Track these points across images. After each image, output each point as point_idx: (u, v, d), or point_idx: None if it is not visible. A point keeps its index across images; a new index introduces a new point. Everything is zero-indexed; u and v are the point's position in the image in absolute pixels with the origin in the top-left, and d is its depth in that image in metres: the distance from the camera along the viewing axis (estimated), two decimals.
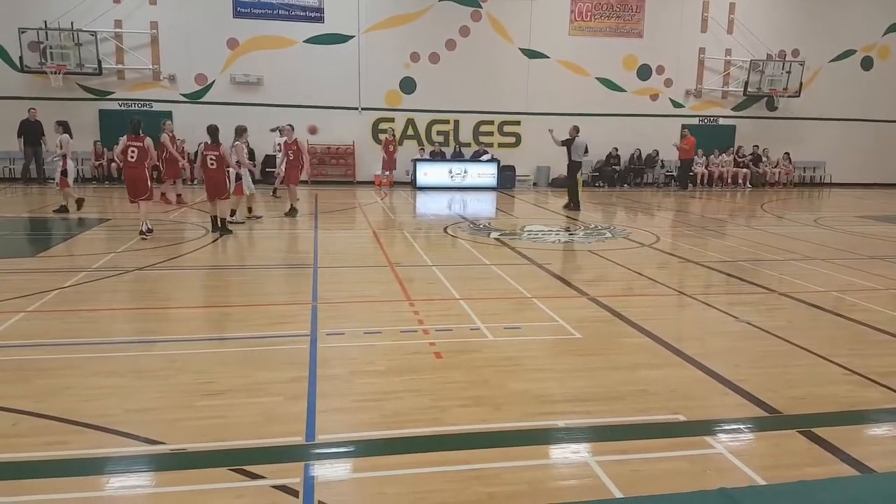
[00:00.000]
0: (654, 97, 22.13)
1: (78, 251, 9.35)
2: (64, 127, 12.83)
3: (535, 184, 21.65)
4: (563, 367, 5.14)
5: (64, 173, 12.54)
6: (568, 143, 15.19)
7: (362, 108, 20.38)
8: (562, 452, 3.84)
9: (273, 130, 16.55)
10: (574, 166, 15.36)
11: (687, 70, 22.20)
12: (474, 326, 6.10)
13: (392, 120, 20.60)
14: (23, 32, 17.53)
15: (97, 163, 18.68)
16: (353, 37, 19.85)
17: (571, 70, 21.33)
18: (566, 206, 15.54)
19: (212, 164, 10.60)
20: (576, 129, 15.35)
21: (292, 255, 9.64)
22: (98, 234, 10.86)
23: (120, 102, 18.96)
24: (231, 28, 19.15)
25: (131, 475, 3.48)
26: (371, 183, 20.23)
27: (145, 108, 19.00)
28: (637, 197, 19.20)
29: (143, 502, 3.25)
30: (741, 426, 4.16)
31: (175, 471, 3.54)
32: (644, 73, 21.90)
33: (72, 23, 17.88)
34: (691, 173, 21.72)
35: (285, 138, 14.35)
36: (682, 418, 4.25)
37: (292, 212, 13.14)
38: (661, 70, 21.98)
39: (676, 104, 22.37)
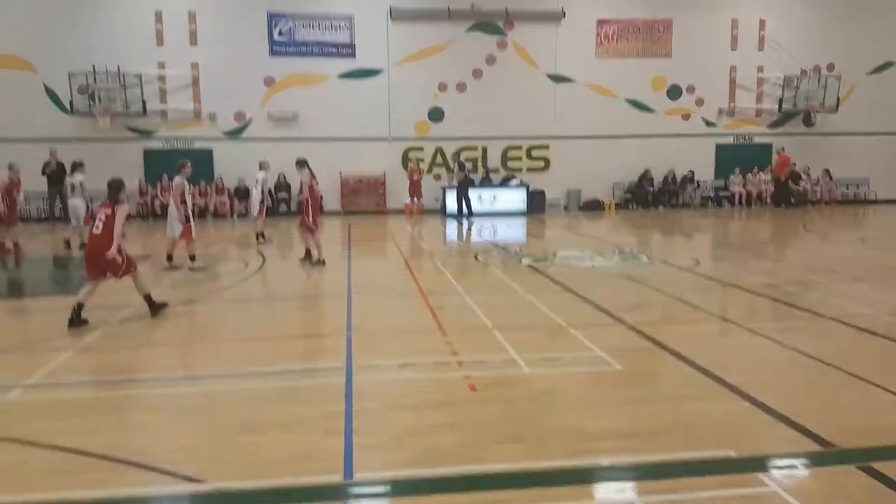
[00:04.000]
0: (686, 117, 21.94)
1: (122, 288, 9.53)
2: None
3: (566, 207, 21.54)
4: (604, 401, 5.01)
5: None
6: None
7: (392, 139, 20.67)
8: (606, 492, 3.73)
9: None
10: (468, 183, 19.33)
11: (718, 88, 21.99)
12: (509, 358, 6.01)
13: (421, 149, 20.83)
14: (72, 77, 18.31)
15: (141, 200, 19.22)
16: (382, 70, 20.23)
17: (599, 93, 21.32)
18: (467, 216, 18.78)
19: (96, 230, 7.43)
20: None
21: (326, 286, 9.68)
22: (140, 271, 11.07)
23: (164, 141, 19.59)
24: (267, 66, 19.72)
25: None
26: (402, 211, 20.39)
27: (188, 146, 19.58)
28: (673, 219, 18.92)
29: None
30: (795, 461, 3.98)
31: None
32: (674, 93, 21.76)
33: (118, 66, 18.62)
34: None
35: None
36: (732, 454, 4.07)
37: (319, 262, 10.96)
38: (691, 89, 21.81)
39: (709, 123, 22.13)
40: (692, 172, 21.92)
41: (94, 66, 18.50)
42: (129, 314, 7.81)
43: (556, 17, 20.80)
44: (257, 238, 13.88)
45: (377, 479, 3.82)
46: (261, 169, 14.32)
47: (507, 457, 4.07)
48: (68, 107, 18.66)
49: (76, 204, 13.10)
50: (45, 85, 18.76)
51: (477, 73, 20.76)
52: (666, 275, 10.10)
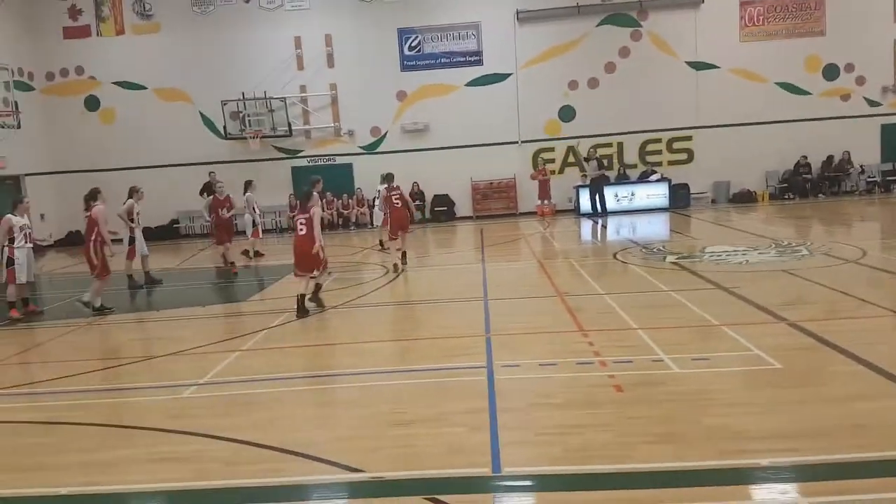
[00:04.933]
0: (845, 97, 19.93)
1: (279, 295, 10.39)
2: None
3: (713, 200, 20.35)
4: (763, 401, 4.72)
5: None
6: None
7: (522, 141, 20.66)
8: (768, 493, 3.52)
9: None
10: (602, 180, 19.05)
11: (881, 65, 19.77)
12: (656, 358, 5.82)
13: (552, 149, 20.64)
14: (225, 104, 20.18)
15: (291, 214, 20.69)
16: (510, 74, 20.31)
17: (745, 78, 19.94)
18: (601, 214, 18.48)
19: (301, 232, 8.67)
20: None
21: (463, 289, 9.83)
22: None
23: (308, 159, 21.02)
24: (399, 81, 20.51)
25: (336, 501, 3.78)
26: (534, 213, 20.29)
27: (329, 162, 20.86)
28: (835, 207, 17.26)
29: None
30: None
31: (377, 498, 3.78)
32: (831, 72, 19.86)
33: (265, 92, 20.25)
34: None
35: (387, 184, 14.60)
36: None
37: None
38: (850, 68, 19.79)
39: (872, 103, 19.94)
40: (847, 153, 19.85)
41: (243, 94, 20.22)
42: (286, 318, 8.47)
43: (695, 1, 19.79)
44: (380, 245, 14.74)
45: (526, 474, 3.87)
46: (383, 182, 15.08)
47: (658, 456, 3.97)
48: (222, 132, 20.55)
49: (246, 219, 14.57)
50: (201, 113, 20.81)
51: (609, 68, 20.23)
52: (829, 268, 9.25)
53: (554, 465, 3.96)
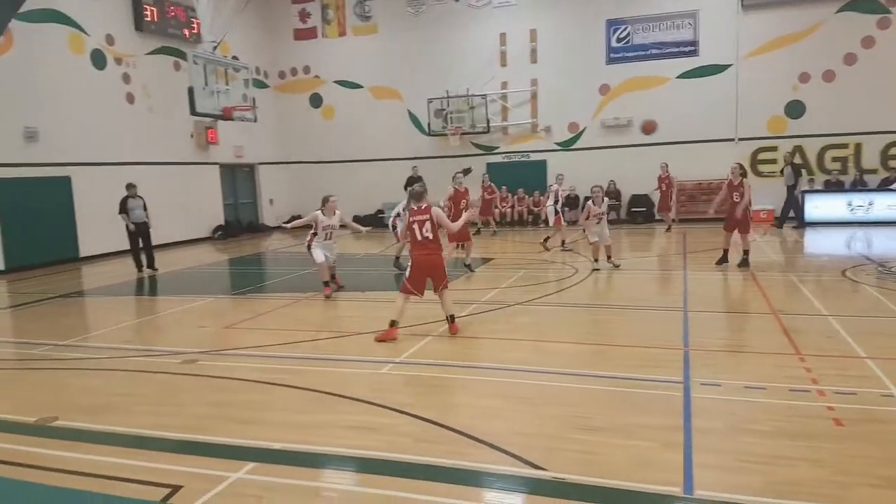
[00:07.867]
0: None
1: (470, 286, 10.71)
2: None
3: None
4: None
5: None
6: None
7: (739, 139, 18.98)
8: None
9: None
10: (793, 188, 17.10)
11: None
12: (886, 392, 5.06)
13: (774, 149, 18.70)
14: (430, 102, 21.20)
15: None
16: (730, 66, 18.75)
17: None
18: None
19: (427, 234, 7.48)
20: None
21: (661, 297, 9.35)
22: (485, 273, 12.24)
23: (503, 155, 21.35)
24: (603, 75, 19.94)
25: (517, 494, 3.79)
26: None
27: (524, 158, 21.00)
28: None
29: None
30: None
31: (556, 498, 3.72)
32: None
33: (467, 89, 20.91)
34: None
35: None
36: None
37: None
38: None
39: None
40: None
41: (447, 92, 21.06)
42: (474, 309, 8.68)
43: None
44: (559, 243, 14.34)
45: (722, 500, 3.56)
46: (555, 182, 14.95)
47: (879, 502, 3.44)
48: (426, 128, 21.61)
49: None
50: (409, 111, 22.07)
51: (849, 59, 17.78)
52: None
53: (754, 496, 3.59)
